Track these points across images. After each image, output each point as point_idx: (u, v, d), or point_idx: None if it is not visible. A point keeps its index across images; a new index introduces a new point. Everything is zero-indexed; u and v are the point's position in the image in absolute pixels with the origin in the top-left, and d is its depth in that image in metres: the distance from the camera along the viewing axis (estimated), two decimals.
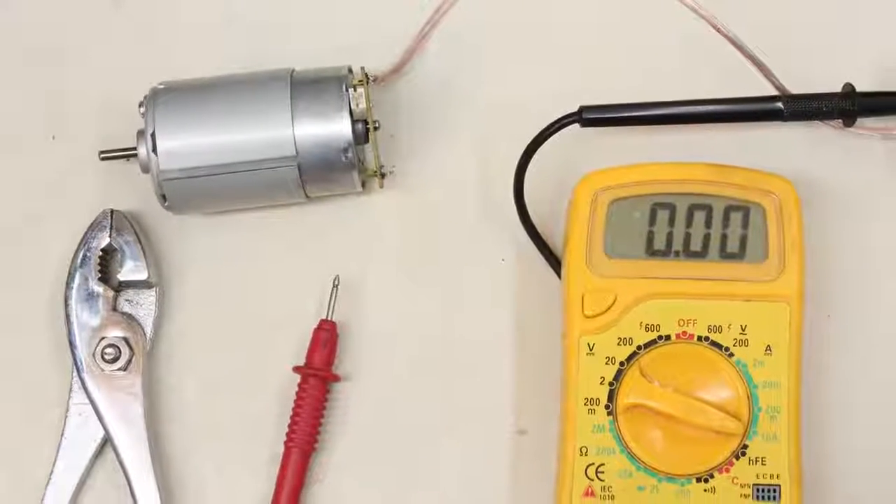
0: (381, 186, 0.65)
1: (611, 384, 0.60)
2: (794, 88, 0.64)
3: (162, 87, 0.63)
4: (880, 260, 0.65)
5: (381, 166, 0.65)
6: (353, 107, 0.62)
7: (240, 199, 0.65)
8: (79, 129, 0.68)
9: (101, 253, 0.64)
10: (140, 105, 0.63)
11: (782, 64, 0.64)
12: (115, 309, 0.65)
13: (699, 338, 0.60)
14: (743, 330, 0.60)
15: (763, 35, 0.64)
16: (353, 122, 0.62)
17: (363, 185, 0.65)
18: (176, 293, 0.66)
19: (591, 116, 0.63)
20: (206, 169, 0.62)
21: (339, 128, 0.62)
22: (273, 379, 0.65)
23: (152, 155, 0.62)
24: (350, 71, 0.64)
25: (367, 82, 0.63)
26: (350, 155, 0.62)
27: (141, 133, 0.63)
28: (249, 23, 0.68)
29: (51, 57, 0.69)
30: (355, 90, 0.63)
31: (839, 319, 0.65)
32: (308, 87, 0.62)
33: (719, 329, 0.60)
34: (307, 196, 0.64)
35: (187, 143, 0.62)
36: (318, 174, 0.62)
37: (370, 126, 0.63)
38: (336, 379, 0.64)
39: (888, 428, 0.65)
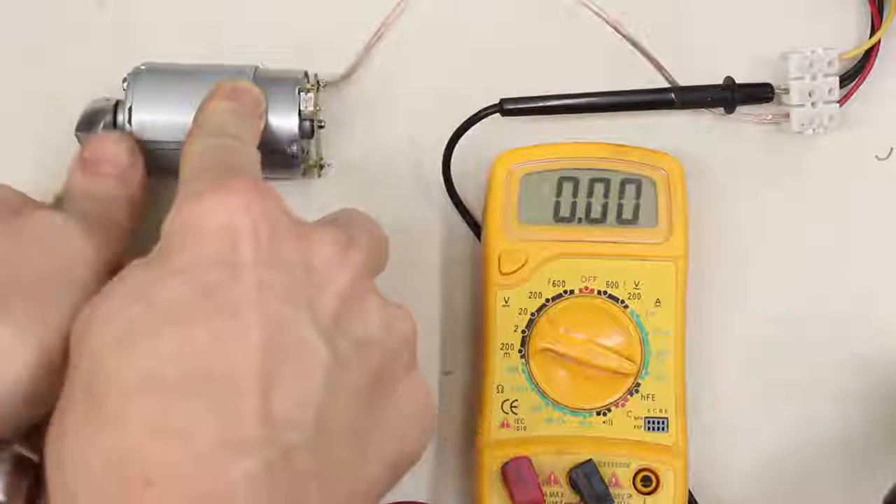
0: (319, 177, 0.67)
1: (523, 332, 0.64)
2: (683, 81, 0.67)
3: (144, 67, 0.65)
4: (752, 226, 0.69)
5: (321, 159, 0.67)
6: (302, 107, 0.64)
7: None
8: (71, 109, 0.67)
9: None
10: (123, 80, 0.64)
11: (673, 60, 0.67)
12: None
13: (599, 292, 0.64)
14: (636, 285, 0.64)
15: (657, 36, 0.67)
16: (301, 120, 0.63)
17: (304, 173, 0.66)
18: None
19: (510, 107, 0.66)
20: (172, 144, 0.62)
21: (288, 124, 0.63)
22: None
23: (128, 126, 0.63)
24: (306, 75, 0.65)
25: (318, 89, 0.65)
26: (295, 148, 0.64)
27: (120, 104, 0.64)
28: (220, 24, 0.69)
29: (48, 51, 0.69)
30: (306, 94, 0.64)
31: (716, 276, 0.68)
32: (267, 84, 0.63)
33: (616, 284, 0.64)
34: None
35: (158, 118, 0.63)
36: (266, 160, 0.60)
37: (315, 126, 0.64)
38: None
39: (756, 366, 0.69)
